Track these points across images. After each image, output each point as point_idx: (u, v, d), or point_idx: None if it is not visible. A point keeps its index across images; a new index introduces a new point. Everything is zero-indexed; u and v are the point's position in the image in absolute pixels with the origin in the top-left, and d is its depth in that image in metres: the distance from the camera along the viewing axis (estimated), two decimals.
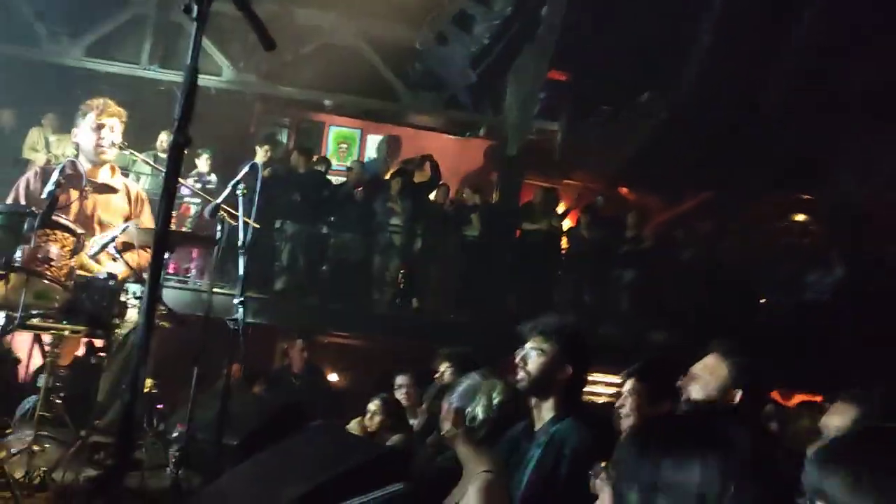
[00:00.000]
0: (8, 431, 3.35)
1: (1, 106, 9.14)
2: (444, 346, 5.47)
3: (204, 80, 9.11)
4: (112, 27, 9.62)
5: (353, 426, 4.76)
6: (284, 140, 11.01)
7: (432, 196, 9.85)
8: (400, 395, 5.35)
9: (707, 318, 8.55)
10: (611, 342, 9.13)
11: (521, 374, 2.95)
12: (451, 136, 11.05)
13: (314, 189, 9.23)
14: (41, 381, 3.46)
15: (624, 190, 12.65)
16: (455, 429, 2.67)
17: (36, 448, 3.33)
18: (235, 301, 3.53)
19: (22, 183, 3.94)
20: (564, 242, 10.19)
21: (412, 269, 9.68)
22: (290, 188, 9.14)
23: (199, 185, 8.10)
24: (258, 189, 3.74)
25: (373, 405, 4.88)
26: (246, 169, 3.71)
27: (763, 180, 10.60)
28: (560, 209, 10.52)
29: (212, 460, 3.47)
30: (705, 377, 2.71)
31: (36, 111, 9.11)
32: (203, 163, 8.94)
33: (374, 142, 11.46)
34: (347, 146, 11.89)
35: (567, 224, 10.60)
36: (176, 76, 9.03)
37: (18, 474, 3.25)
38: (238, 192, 3.71)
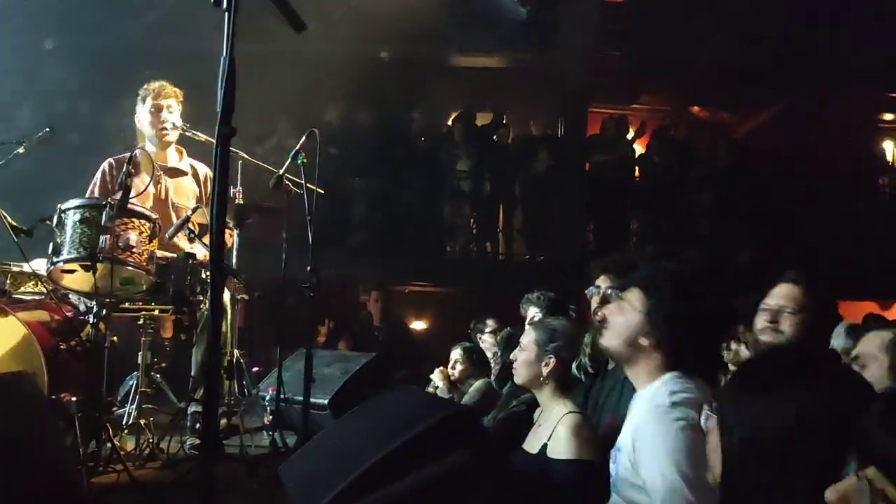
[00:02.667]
0: (114, 409, 3.59)
1: (78, 96, 9.44)
2: (521, 288, 5.47)
3: (258, 47, 9.26)
4: (170, 3, 9.78)
5: (437, 374, 4.88)
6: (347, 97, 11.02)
7: (496, 137, 9.75)
8: (480, 341, 5.44)
9: (793, 234, 8.26)
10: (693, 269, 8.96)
11: (601, 315, 2.92)
12: (508, 75, 10.82)
13: (380, 144, 9.28)
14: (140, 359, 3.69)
15: (695, 109, 12.18)
16: (551, 376, 2.68)
17: (142, 422, 3.57)
18: (308, 269, 3.65)
19: (99, 175, 4.13)
20: (637, 170, 9.96)
21: (483, 213, 9.67)
22: (356, 145, 9.24)
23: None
24: (318, 156, 3.81)
25: (455, 353, 4.98)
26: (304, 139, 3.77)
27: (848, 78, 9.99)
28: (629, 136, 10.24)
29: (302, 421, 3.64)
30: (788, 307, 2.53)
31: (109, 96, 9.39)
32: (281, 128, 9.14)
33: (433, 90, 11.33)
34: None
35: (638, 151, 10.33)
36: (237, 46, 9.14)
37: (129, 447, 3.51)
38: (298, 160, 3.79)
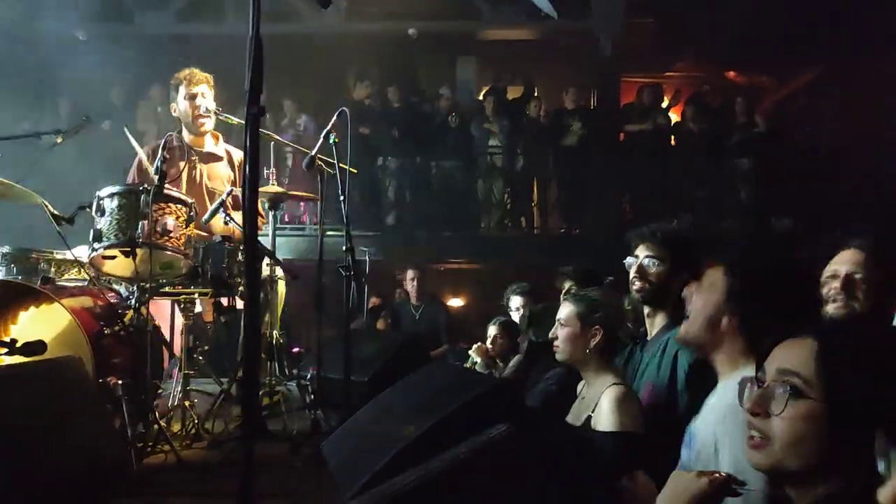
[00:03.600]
0: (159, 391, 3.65)
1: (110, 84, 9.56)
2: (558, 261, 5.43)
3: (287, 27, 9.29)
4: None
5: (475, 350, 4.89)
6: (377, 76, 11.00)
7: (528, 110, 9.65)
8: (517, 316, 5.43)
9: (833, 199, 8.06)
10: (732, 235, 8.83)
11: (638, 285, 2.89)
12: (539, 46, 10.69)
13: (411, 122, 9.26)
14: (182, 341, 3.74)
15: (731, 74, 11.91)
16: (598, 348, 2.65)
17: (187, 403, 3.63)
18: (343, 248, 3.65)
19: (135, 163, 4.19)
20: (673, 139, 9.80)
21: (517, 188, 9.62)
22: (387, 124, 9.24)
23: (292, 133, 8.37)
24: (349, 135, 3.79)
25: (492, 329, 4.97)
26: (335, 118, 3.76)
27: (888, 39, 9.65)
28: (664, 104, 10.06)
29: (343, 400, 3.66)
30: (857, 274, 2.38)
31: (142, 84, 9.51)
32: (291, 108, 9.17)
33: (463, 65, 11.25)
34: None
35: (674, 118, 10.16)
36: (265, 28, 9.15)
37: (176, 428, 3.57)
38: (330, 141, 3.78)
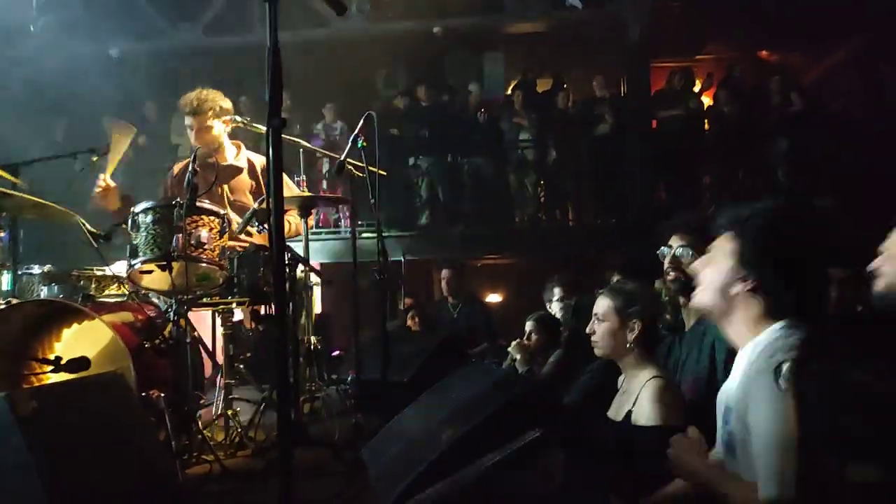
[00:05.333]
0: (202, 402, 3.69)
1: (144, 99, 9.72)
2: (594, 253, 5.39)
3: (311, 33, 9.35)
4: (223, 1, 9.98)
5: (514, 347, 4.85)
6: (404, 76, 11.00)
7: (558, 102, 9.56)
8: (554, 309, 5.39)
9: (875, 177, 7.84)
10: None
11: (673, 276, 2.85)
12: (565, 36, 10.58)
13: (440, 120, 9.25)
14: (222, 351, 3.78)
15: (764, 53, 11.66)
16: (637, 341, 2.62)
17: (229, 412, 3.67)
18: (377, 251, 3.66)
19: (169, 179, 4.26)
20: (706, 123, 9.62)
21: (550, 181, 9.55)
22: (417, 123, 9.24)
23: (323, 137, 8.41)
24: (377, 138, 3.80)
25: (529, 325, 4.93)
26: (361, 122, 3.76)
27: None
28: (696, 88, 9.90)
29: (382, 402, 3.66)
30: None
31: (174, 98, 9.62)
32: (329, 113, 9.23)
33: (490, 60, 11.19)
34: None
35: (707, 102, 9.98)
36: (290, 37, 9.22)
37: (219, 437, 3.61)
38: (358, 145, 3.78)
